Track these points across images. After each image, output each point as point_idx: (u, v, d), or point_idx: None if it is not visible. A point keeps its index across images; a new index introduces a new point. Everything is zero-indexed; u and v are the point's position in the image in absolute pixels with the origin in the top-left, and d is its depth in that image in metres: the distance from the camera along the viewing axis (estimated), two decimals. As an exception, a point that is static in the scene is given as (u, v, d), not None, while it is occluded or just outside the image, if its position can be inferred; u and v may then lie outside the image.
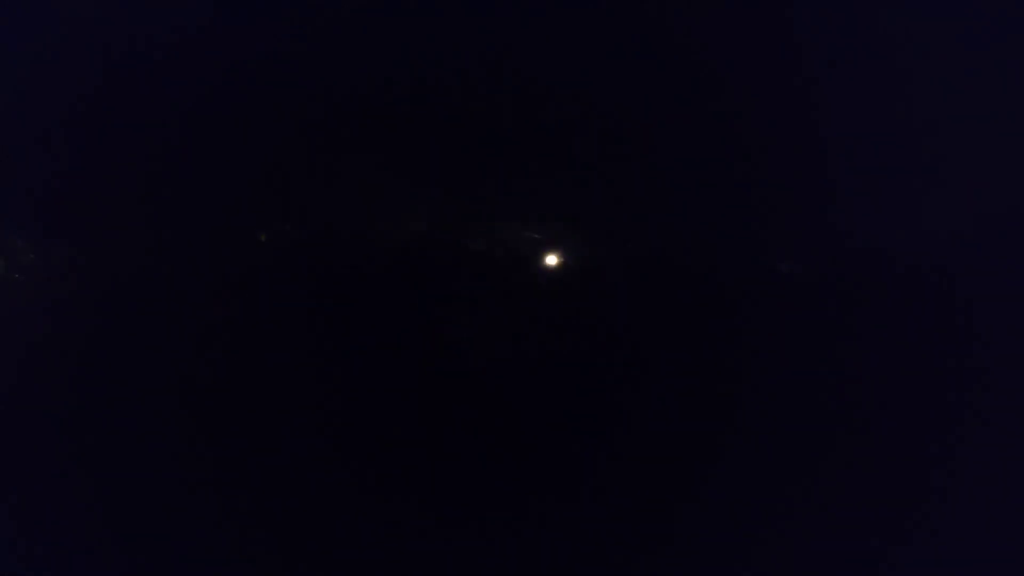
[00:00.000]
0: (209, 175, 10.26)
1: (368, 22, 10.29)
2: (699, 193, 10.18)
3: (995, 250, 9.86)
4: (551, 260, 10.30)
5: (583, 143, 10.35)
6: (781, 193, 10.16)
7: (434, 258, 10.26)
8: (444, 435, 10.05)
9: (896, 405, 9.85)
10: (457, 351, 10.15)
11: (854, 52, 10.06)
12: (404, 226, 10.42)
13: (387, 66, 10.30)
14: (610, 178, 10.34)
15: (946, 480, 9.68)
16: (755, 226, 10.21)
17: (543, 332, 10.20)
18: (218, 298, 10.19)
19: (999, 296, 9.78)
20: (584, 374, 10.10)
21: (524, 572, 9.83)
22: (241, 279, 10.24)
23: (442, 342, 10.13)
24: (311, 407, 10.06)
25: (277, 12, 10.33)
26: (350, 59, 10.31)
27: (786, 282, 10.13)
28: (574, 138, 10.35)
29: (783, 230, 10.20)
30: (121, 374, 10.00)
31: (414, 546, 9.81)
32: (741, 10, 10.15)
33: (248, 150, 10.25)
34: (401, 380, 10.12)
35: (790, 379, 9.87)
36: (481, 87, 10.31)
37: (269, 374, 10.08)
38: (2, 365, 10.07)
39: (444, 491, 9.99)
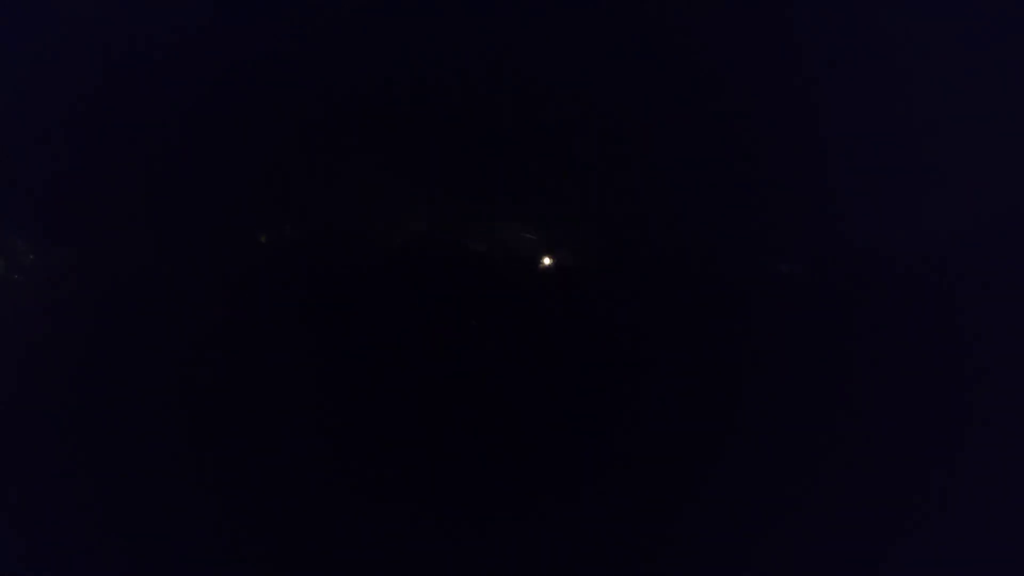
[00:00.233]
0: (209, 175, 10.27)
1: (368, 22, 10.30)
2: (699, 193, 10.19)
3: (995, 250, 9.88)
4: (551, 261, 10.30)
5: (583, 143, 10.36)
6: (781, 193, 10.18)
7: (434, 258, 10.27)
8: (444, 435, 10.05)
9: (896, 405, 9.86)
10: (457, 351, 10.15)
11: (854, 52, 10.08)
12: (404, 226, 10.43)
13: (387, 66, 10.31)
14: (610, 178, 10.34)
15: (946, 480, 9.70)
16: (756, 226, 10.22)
17: (543, 332, 10.21)
18: (218, 298, 10.20)
19: (999, 296, 9.79)
20: (584, 374, 10.11)
21: (524, 572, 9.84)
22: (241, 279, 10.25)
23: (442, 342, 10.14)
24: (311, 407, 10.07)
25: (277, 12, 10.35)
26: (350, 59, 10.32)
27: (786, 282, 10.15)
28: (574, 138, 10.35)
29: (784, 230, 10.22)
30: (121, 374, 10.01)
31: (414, 546, 9.82)
32: (741, 10, 10.17)
33: (248, 150, 10.26)
34: (401, 380, 10.12)
35: (790, 379, 9.88)
36: (481, 87, 10.32)
37: (269, 374, 10.09)
38: (2, 365, 10.09)
39: (444, 491, 10.00)
